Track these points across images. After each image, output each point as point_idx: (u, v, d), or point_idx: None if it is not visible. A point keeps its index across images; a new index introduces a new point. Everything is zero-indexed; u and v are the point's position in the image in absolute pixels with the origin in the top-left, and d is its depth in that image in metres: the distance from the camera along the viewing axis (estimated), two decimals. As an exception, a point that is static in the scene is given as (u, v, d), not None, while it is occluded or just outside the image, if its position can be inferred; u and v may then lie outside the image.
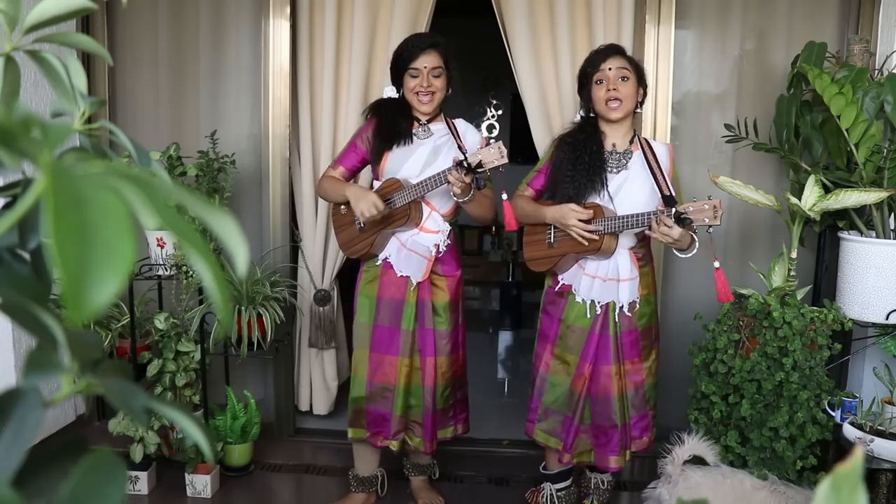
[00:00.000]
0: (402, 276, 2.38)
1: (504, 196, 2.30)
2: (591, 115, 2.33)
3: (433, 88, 2.33)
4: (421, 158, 2.35)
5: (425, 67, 2.31)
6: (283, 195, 3.14)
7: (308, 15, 3.07)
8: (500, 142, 2.15)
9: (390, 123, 2.37)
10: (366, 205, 2.27)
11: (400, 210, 2.32)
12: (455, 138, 2.38)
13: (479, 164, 2.13)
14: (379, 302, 2.42)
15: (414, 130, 2.39)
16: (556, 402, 2.39)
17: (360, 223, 2.41)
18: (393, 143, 2.36)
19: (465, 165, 2.14)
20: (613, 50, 2.29)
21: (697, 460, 2.18)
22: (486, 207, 2.40)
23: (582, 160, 2.25)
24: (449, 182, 2.19)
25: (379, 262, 2.43)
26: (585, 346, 2.31)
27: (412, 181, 2.31)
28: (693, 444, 2.13)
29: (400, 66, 2.35)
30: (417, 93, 2.34)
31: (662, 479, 2.21)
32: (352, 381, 2.50)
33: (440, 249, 2.39)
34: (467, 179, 2.18)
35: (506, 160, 2.14)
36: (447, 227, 2.41)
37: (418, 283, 2.39)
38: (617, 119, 2.27)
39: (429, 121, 2.41)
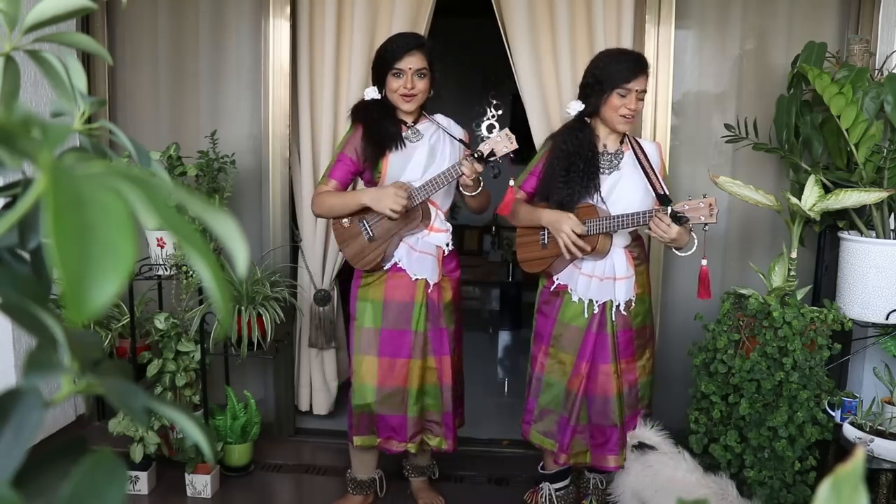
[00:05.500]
0: (416, 279, 2.36)
1: (511, 182, 2.32)
2: (587, 118, 2.31)
3: (416, 91, 2.29)
4: (420, 161, 2.33)
5: (409, 68, 2.27)
6: (283, 195, 3.14)
7: (308, 15, 3.07)
8: (507, 129, 2.22)
9: (378, 128, 2.33)
10: (390, 199, 2.22)
11: (412, 211, 2.31)
12: (445, 131, 2.39)
13: (492, 153, 2.20)
14: (386, 306, 2.39)
15: (403, 134, 2.35)
16: (552, 402, 2.38)
17: (369, 233, 2.37)
18: (386, 148, 2.31)
19: (478, 156, 2.19)
20: (643, 68, 2.21)
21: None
22: (487, 197, 2.41)
23: (577, 166, 2.23)
24: (463, 174, 2.21)
25: (386, 266, 2.39)
26: (582, 345, 2.31)
27: (415, 184, 2.30)
28: (640, 432, 2.22)
29: (383, 66, 2.30)
30: (400, 94, 2.30)
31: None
32: (356, 388, 2.44)
33: (448, 247, 2.39)
34: (481, 168, 2.21)
35: (515, 146, 2.20)
36: (449, 226, 2.41)
37: (433, 284, 2.37)
38: (622, 131, 2.28)
39: (414, 122, 2.39)
